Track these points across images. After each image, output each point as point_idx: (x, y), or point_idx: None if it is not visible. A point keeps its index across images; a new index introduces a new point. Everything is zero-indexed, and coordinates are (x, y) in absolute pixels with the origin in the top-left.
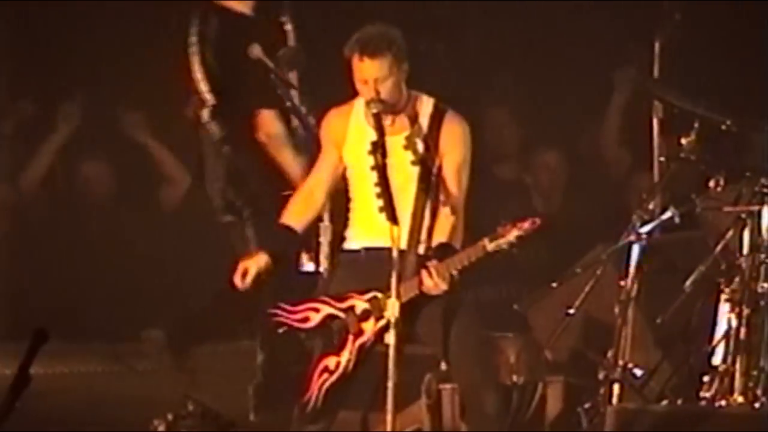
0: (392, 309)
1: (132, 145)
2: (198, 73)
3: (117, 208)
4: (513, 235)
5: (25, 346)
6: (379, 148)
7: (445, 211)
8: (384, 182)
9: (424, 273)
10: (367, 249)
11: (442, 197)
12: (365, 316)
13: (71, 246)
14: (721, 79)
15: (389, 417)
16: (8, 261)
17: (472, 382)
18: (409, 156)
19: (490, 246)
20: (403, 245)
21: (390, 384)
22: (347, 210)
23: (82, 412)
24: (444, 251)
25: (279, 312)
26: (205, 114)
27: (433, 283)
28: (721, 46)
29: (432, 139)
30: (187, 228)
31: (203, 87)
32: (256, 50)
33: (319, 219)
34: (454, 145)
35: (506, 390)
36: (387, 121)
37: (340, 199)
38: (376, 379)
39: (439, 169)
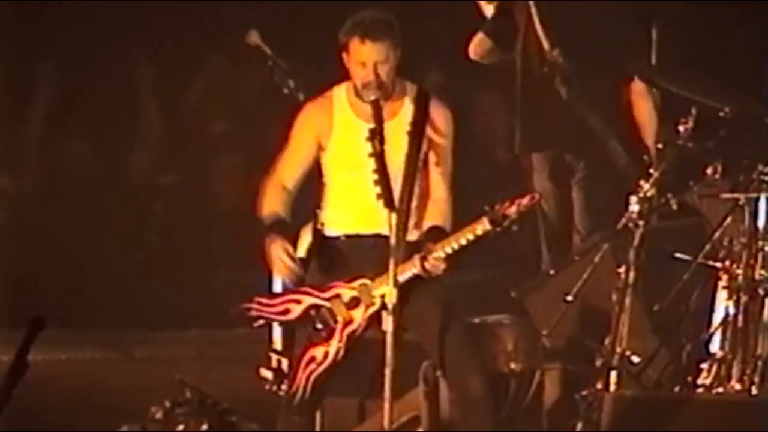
0: (390, 295)
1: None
2: None
3: (112, 193)
4: (512, 211)
5: (23, 333)
6: (377, 135)
7: (434, 196)
8: (382, 169)
9: (418, 257)
10: (348, 236)
11: (431, 181)
12: (354, 303)
13: (68, 234)
14: (719, 65)
15: (387, 404)
16: (4, 248)
17: (456, 367)
18: (400, 141)
19: (489, 224)
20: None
21: (388, 371)
22: (319, 199)
23: (80, 399)
24: (437, 234)
25: (255, 305)
26: None
27: (431, 264)
28: (720, 33)
29: (419, 124)
30: (187, 213)
31: None
32: (254, 36)
33: (316, 206)
34: (441, 129)
35: (495, 375)
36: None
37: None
38: (373, 367)
39: (427, 153)
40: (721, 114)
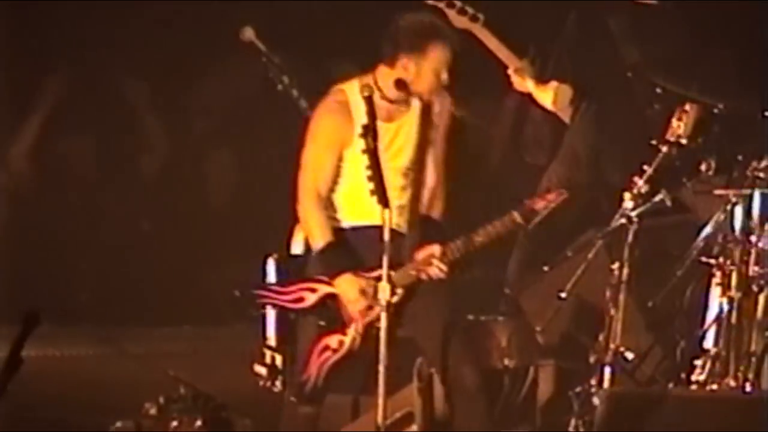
0: (384, 292)
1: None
2: None
3: (107, 189)
4: (541, 206)
5: (17, 329)
6: (370, 131)
7: (428, 185)
8: (376, 166)
9: (424, 258)
10: (354, 228)
11: (425, 170)
12: (374, 294)
13: (62, 230)
14: (713, 61)
15: (380, 401)
16: None
17: (447, 361)
18: (411, 135)
19: (521, 218)
20: (405, 226)
21: (381, 367)
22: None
23: (73, 395)
24: (437, 230)
25: (267, 293)
26: None
27: (438, 268)
28: (715, 28)
29: (426, 116)
30: (181, 210)
31: None
32: (248, 33)
33: None
34: (442, 121)
35: (489, 371)
36: (389, 105)
37: None
38: (367, 363)
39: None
40: (715, 110)
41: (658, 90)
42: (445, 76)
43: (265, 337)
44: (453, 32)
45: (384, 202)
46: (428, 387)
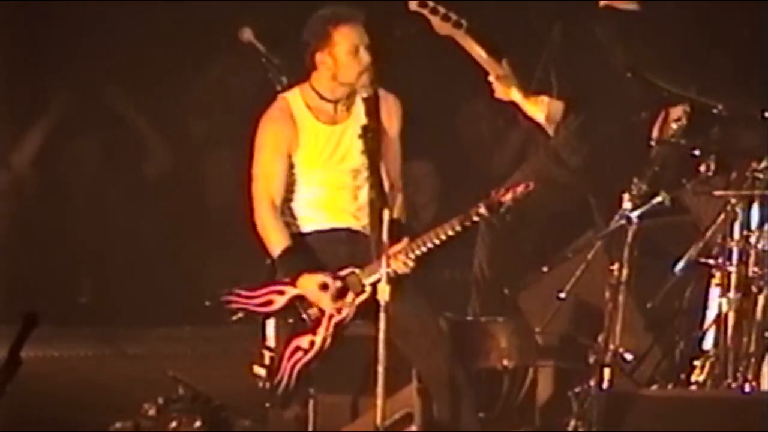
0: (383, 292)
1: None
2: None
3: (106, 191)
4: (508, 198)
5: (16, 329)
6: (369, 131)
7: (392, 186)
8: (374, 166)
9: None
10: (320, 232)
11: (386, 173)
12: (342, 293)
13: (61, 231)
14: (713, 62)
15: (379, 401)
16: None
17: (430, 358)
18: (355, 138)
19: (485, 209)
20: (367, 226)
21: (380, 368)
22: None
23: (72, 396)
24: (398, 228)
25: (235, 297)
26: None
27: (402, 263)
28: (714, 29)
29: (373, 117)
30: (178, 209)
31: None
32: (247, 34)
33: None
34: (391, 121)
35: (488, 372)
36: (331, 108)
37: None
38: (365, 364)
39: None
40: (715, 111)
41: (665, 94)
42: (363, 55)
43: (264, 338)
44: (354, 11)
45: (384, 202)
46: (427, 388)
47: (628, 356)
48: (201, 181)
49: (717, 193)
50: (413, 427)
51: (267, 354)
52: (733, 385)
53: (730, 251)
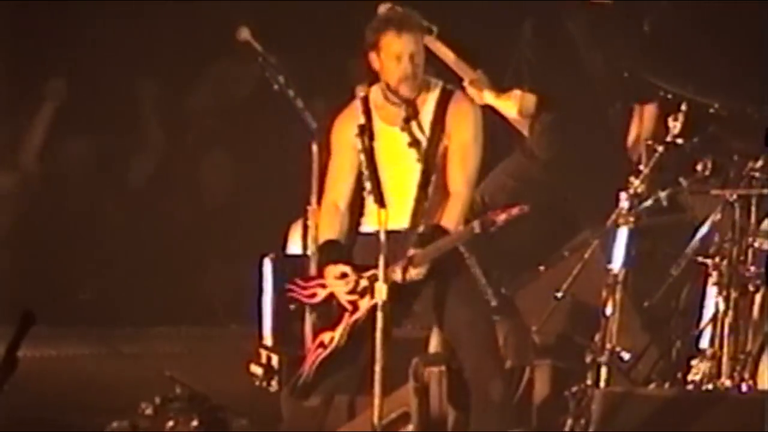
0: (380, 292)
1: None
2: None
3: (104, 191)
4: (501, 218)
5: (13, 329)
6: (366, 131)
7: (452, 190)
8: (372, 166)
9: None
10: (368, 234)
11: (449, 176)
12: (363, 292)
13: (58, 231)
14: (709, 61)
15: (376, 401)
16: None
17: (481, 369)
18: (414, 138)
19: (479, 227)
20: (406, 226)
21: (377, 368)
22: (362, 197)
23: (69, 396)
24: (434, 233)
25: (293, 287)
26: None
27: (410, 271)
28: (711, 28)
29: (439, 121)
30: (175, 209)
31: None
32: (244, 33)
33: (306, 203)
34: (460, 125)
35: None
36: (400, 108)
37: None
38: (363, 363)
39: (447, 148)
40: (711, 110)
41: (662, 93)
42: (405, 63)
43: (261, 338)
44: (407, 19)
45: (381, 202)
46: (424, 387)
47: (625, 355)
48: (199, 180)
49: (714, 192)
50: (410, 427)
51: (264, 353)
52: (730, 384)
53: (727, 250)
